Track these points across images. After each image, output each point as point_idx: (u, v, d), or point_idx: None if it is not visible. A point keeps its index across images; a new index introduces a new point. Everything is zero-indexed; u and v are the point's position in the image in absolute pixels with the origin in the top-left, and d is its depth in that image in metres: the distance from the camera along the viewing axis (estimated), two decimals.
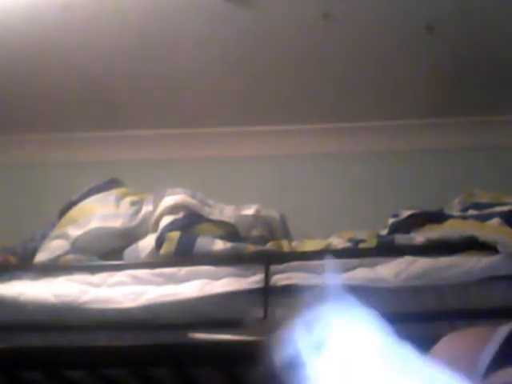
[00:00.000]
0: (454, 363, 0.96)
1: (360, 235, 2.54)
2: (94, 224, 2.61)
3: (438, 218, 2.51)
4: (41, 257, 2.58)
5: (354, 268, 2.22)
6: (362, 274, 2.19)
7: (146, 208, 2.68)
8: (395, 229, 2.51)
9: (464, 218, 2.51)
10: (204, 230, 2.53)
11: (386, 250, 2.34)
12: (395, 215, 2.60)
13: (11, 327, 2.32)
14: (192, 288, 2.25)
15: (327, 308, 0.85)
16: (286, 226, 2.76)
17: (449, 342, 1.03)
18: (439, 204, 2.71)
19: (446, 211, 2.61)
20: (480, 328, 1.04)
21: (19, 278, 2.42)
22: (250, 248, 2.41)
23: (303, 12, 2.92)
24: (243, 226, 2.61)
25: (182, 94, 3.42)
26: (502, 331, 0.99)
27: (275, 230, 2.68)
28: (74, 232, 2.60)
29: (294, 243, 2.57)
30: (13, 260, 2.63)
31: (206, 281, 2.28)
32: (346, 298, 0.87)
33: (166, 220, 2.53)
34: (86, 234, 2.58)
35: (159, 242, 2.45)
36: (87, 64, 3.23)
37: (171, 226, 2.49)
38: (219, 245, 2.41)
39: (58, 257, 2.54)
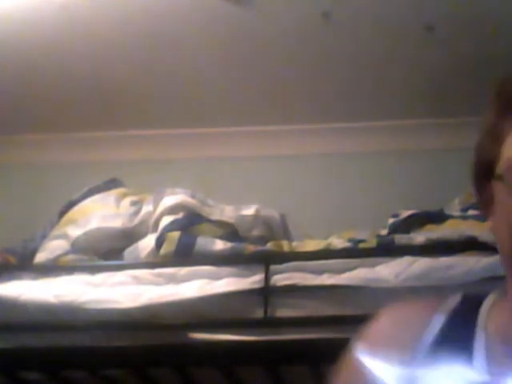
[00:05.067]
0: (395, 338, 0.92)
1: (360, 235, 2.54)
2: (94, 224, 2.61)
3: (438, 217, 2.51)
4: (41, 257, 2.58)
5: (354, 268, 2.22)
6: (362, 274, 2.19)
7: (146, 208, 2.68)
8: (395, 229, 2.51)
9: (464, 218, 2.51)
10: (204, 230, 2.53)
11: (386, 250, 2.34)
12: (395, 215, 2.60)
13: (11, 327, 2.32)
14: (192, 288, 2.25)
15: None
16: (286, 226, 2.75)
17: (390, 315, 0.98)
18: (439, 204, 2.71)
19: (446, 211, 2.61)
20: (425, 299, 1.00)
21: (19, 278, 2.42)
22: (250, 248, 2.41)
23: (303, 12, 2.92)
24: (243, 226, 2.61)
25: (182, 94, 3.42)
26: (451, 300, 0.95)
27: (275, 230, 2.68)
28: (74, 232, 2.60)
29: (294, 243, 2.57)
30: (13, 260, 2.63)
31: (206, 281, 2.28)
32: None
33: (166, 220, 2.53)
34: (85, 234, 2.58)
35: (159, 242, 2.45)
36: (87, 64, 3.23)
37: (171, 226, 2.49)
38: (219, 245, 2.41)
39: (58, 257, 2.54)
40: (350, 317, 2.13)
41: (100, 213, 2.67)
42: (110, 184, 2.89)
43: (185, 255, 2.39)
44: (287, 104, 3.51)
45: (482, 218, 2.42)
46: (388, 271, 2.18)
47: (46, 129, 3.67)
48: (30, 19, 2.95)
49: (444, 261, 2.17)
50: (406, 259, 2.20)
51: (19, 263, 2.62)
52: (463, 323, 0.91)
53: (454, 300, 0.95)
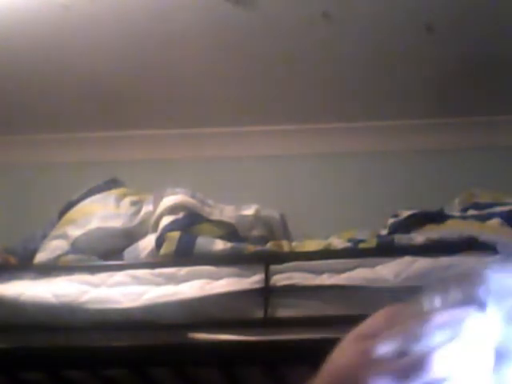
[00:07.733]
0: None
1: (360, 235, 2.54)
2: (94, 224, 2.61)
3: (438, 217, 2.51)
4: (41, 257, 2.58)
5: (354, 268, 2.22)
6: (362, 274, 2.19)
7: (146, 208, 2.68)
8: (395, 229, 2.50)
9: (464, 218, 2.51)
10: (204, 230, 2.53)
11: (386, 250, 2.34)
12: (395, 215, 2.60)
13: (11, 327, 2.32)
14: (192, 288, 2.25)
15: None
16: (285, 226, 2.75)
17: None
18: (439, 204, 2.71)
19: (446, 211, 2.61)
20: None
21: (19, 278, 2.42)
22: (250, 248, 2.41)
23: (303, 12, 2.92)
24: (243, 226, 2.61)
25: (181, 93, 3.42)
26: None
27: (275, 230, 2.68)
28: (74, 232, 2.60)
29: (294, 243, 2.57)
30: (13, 260, 2.63)
31: (205, 281, 2.28)
32: None
33: (166, 220, 2.53)
34: (85, 234, 2.58)
35: (159, 242, 2.45)
36: (87, 64, 3.24)
37: (171, 226, 2.49)
38: (219, 245, 2.41)
39: (58, 257, 2.54)
40: (350, 317, 2.12)
41: (100, 213, 2.67)
42: (110, 184, 2.89)
43: (185, 255, 2.39)
44: (287, 104, 3.51)
45: (482, 217, 2.43)
46: (388, 271, 2.18)
47: (46, 129, 3.67)
48: (30, 19, 2.96)
49: (444, 261, 2.17)
50: (406, 259, 2.20)
51: (19, 263, 2.62)
52: None
53: None
